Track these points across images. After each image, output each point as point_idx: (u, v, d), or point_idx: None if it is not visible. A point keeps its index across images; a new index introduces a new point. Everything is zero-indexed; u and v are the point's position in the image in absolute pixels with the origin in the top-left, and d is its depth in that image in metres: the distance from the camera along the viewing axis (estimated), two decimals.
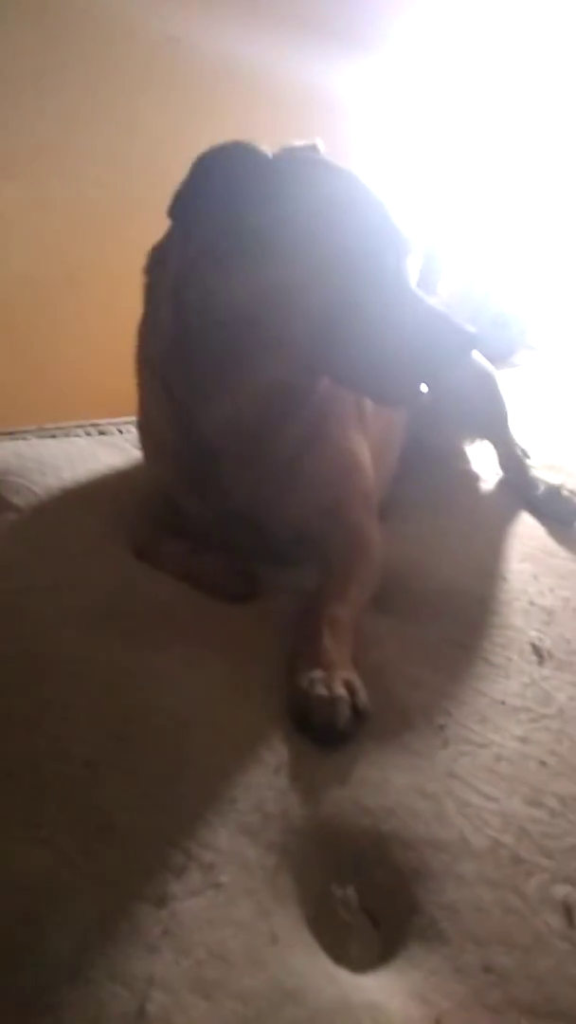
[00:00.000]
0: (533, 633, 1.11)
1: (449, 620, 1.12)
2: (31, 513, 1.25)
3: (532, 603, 1.19)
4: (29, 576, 1.09)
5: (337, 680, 0.90)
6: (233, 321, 1.05)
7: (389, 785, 0.81)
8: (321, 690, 0.89)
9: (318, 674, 0.91)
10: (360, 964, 0.66)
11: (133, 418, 1.37)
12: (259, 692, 0.93)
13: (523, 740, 0.91)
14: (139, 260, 1.17)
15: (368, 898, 0.71)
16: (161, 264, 1.13)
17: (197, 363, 1.11)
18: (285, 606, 1.10)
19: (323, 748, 0.86)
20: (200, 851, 0.70)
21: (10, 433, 1.58)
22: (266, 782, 0.79)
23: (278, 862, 0.71)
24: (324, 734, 0.87)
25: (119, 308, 1.30)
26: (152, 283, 1.16)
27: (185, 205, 1.04)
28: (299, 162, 1.06)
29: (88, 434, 1.64)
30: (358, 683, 0.92)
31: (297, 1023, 0.59)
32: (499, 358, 2.23)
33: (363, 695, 0.90)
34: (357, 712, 0.88)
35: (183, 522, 1.25)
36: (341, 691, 0.89)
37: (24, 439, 1.55)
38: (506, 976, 0.65)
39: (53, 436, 1.60)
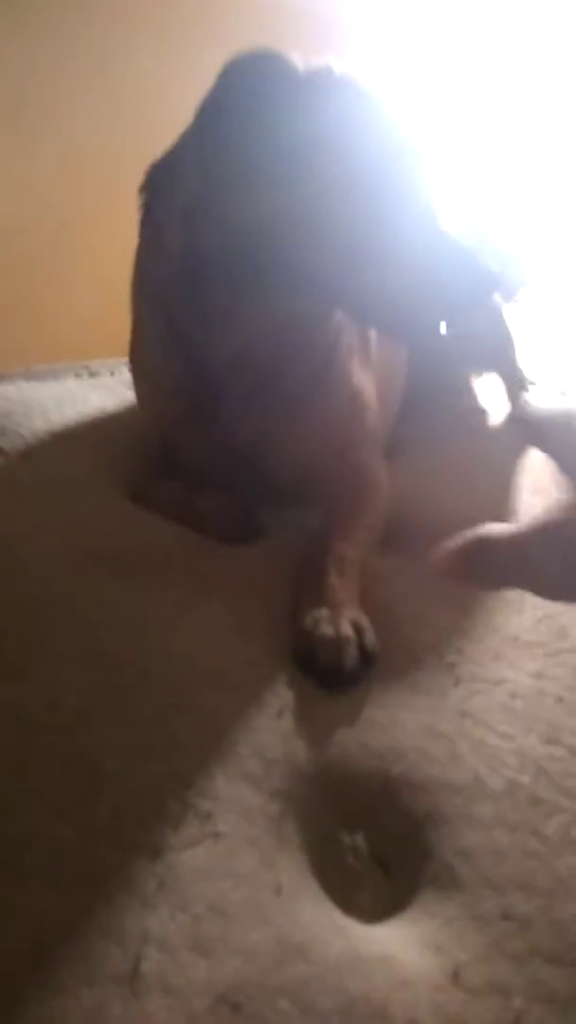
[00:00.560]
0: None
1: None
2: (18, 456, 1.20)
3: None
4: (17, 520, 1.04)
5: (344, 620, 0.86)
6: (253, 243, 1.00)
7: (399, 726, 0.77)
8: (327, 630, 0.85)
9: (324, 613, 0.87)
10: (371, 914, 0.62)
11: (125, 359, 1.31)
12: (261, 633, 0.89)
13: (538, 676, 0.86)
14: (130, 203, 1.11)
15: (378, 845, 0.67)
16: (168, 183, 1.06)
17: (207, 291, 1.05)
18: (287, 546, 1.06)
19: (329, 690, 0.82)
20: (198, 799, 0.66)
21: None
22: (268, 726, 0.75)
23: (282, 809, 0.68)
24: (330, 676, 0.82)
25: (110, 254, 1.26)
26: (154, 204, 1.09)
27: (207, 118, 0.98)
28: (331, 79, 0.99)
29: (78, 376, 1.59)
30: (365, 623, 0.88)
31: (305, 979, 0.55)
32: (501, 296, 2.18)
33: (371, 635, 0.86)
34: (364, 653, 0.84)
35: (180, 462, 1.20)
36: (348, 631, 0.85)
37: (11, 382, 1.50)
38: (527, 923, 0.61)
39: (42, 379, 1.55)
